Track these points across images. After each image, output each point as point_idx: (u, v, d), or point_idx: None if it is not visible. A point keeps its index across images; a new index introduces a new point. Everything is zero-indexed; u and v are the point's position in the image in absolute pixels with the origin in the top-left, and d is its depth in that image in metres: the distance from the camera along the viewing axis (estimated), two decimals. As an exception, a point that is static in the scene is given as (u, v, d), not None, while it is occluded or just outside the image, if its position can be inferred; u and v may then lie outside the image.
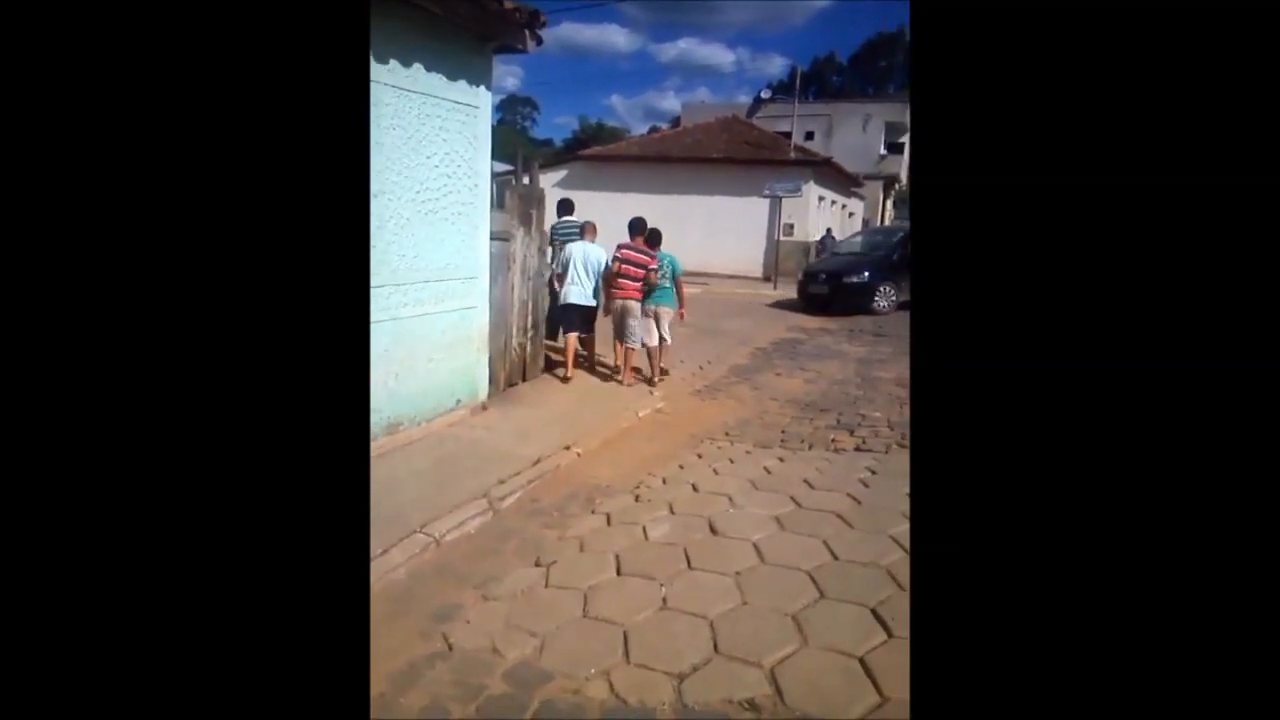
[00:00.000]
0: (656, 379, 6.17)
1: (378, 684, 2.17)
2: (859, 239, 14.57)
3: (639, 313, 5.91)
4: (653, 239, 6.08)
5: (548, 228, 6.22)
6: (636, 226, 6.07)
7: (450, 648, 2.39)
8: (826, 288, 11.91)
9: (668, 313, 6.15)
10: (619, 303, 5.89)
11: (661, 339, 6.15)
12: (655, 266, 5.92)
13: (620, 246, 5.94)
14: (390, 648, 2.35)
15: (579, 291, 5.94)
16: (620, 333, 6.03)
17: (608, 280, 5.97)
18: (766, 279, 16.05)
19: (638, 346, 6.02)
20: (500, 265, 5.28)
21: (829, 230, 18.28)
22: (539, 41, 4.81)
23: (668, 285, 6.08)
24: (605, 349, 6.66)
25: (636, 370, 6.21)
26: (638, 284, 5.87)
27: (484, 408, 5.02)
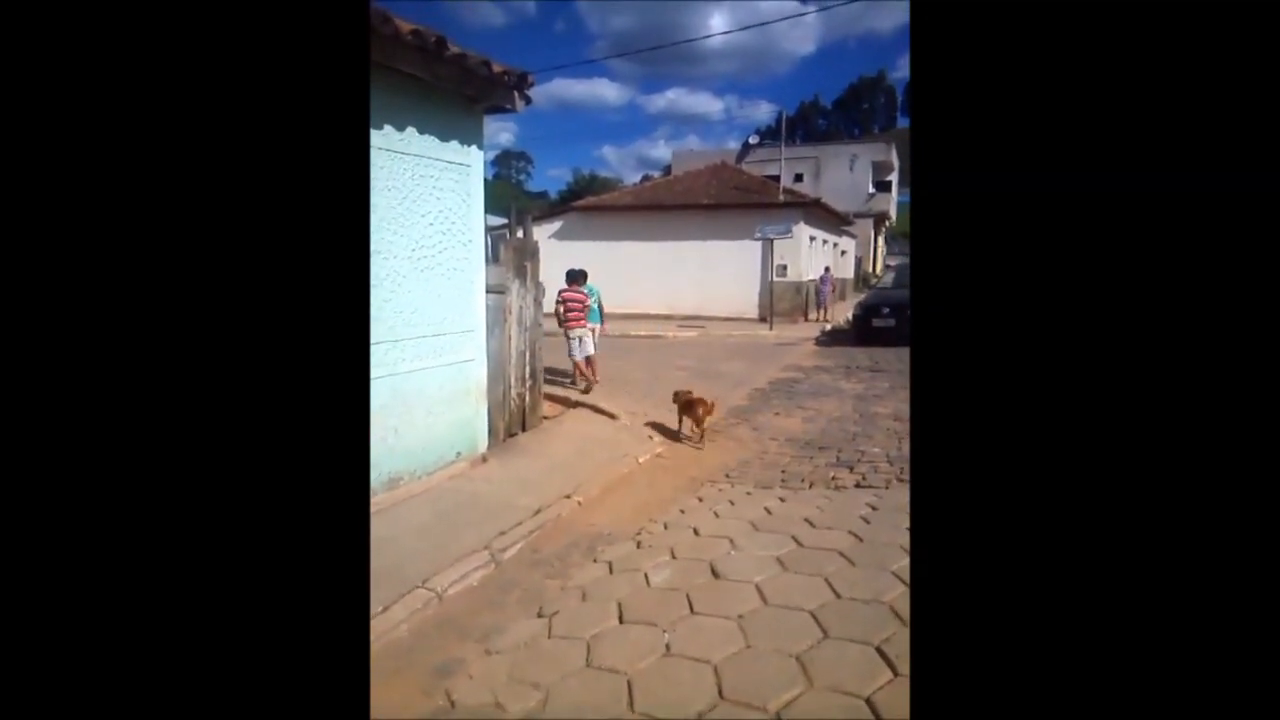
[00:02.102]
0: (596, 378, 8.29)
1: (380, 744, 2.15)
2: (892, 274, 14.60)
3: (586, 333, 8.05)
4: (580, 278, 8.21)
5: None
6: (573, 276, 8.15)
7: (453, 704, 2.37)
8: (893, 320, 11.71)
9: (597, 328, 8.45)
10: (574, 331, 7.97)
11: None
12: (589, 302, 8.14)
13: (561, 291, 7.97)
14: (393, 706, 2.33)
15: None
16: (577, 350, 8.05)
17: (558, 316, 7.97)
18: (762, 320, 16.16)
19: (588, 355, 8.11)
20: (497, 317, 5.35)
21: (827, 269, 18.47)
22: (528, 101, 4.98)
23: (595, 308, 8.37)
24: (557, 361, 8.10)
25: (590, 373, 8.20)
26: (582, 314, 7.99)
27: (484, 459, 5.03)
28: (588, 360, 8.16)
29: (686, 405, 5.83)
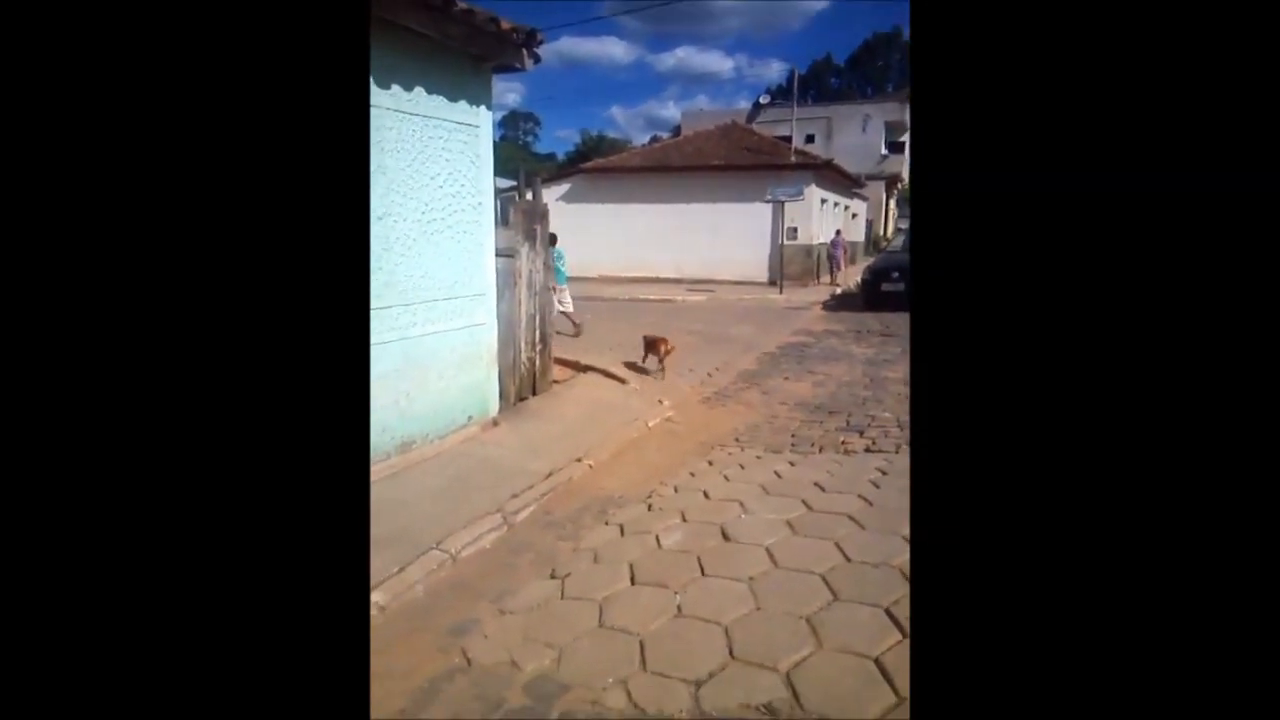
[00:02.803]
0: (577, 333, 9.47)
1: (398, 700, 2.20)
2: (902, 237, 14.60)
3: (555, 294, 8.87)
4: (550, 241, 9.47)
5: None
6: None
7: (469, 662, 2.42)
8: (903, 284, 11.54)
9: (565, 288, 9.58)
10: None
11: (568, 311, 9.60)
12: (556, 264, 8.70)
13: None
14: (409, 665, 2.38)
15: None
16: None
17: None
18: (772, 283, 16.07)
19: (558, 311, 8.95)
20: (507, 281, 5.33)
21: (838, 232, 18.25)
22: (537, 59, 4.88)
23: (562, 268, 9.28)
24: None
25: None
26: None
27: (495, 423, 5.06)
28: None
29: (650, 344, 7.19)
